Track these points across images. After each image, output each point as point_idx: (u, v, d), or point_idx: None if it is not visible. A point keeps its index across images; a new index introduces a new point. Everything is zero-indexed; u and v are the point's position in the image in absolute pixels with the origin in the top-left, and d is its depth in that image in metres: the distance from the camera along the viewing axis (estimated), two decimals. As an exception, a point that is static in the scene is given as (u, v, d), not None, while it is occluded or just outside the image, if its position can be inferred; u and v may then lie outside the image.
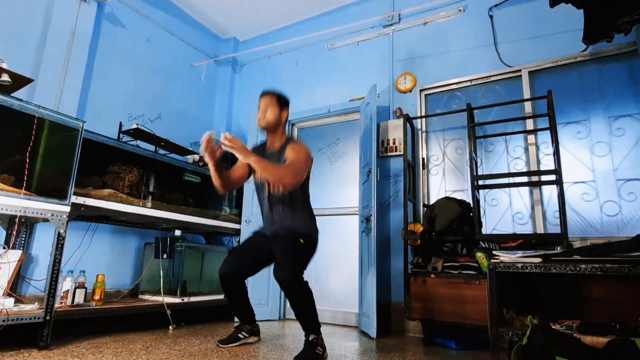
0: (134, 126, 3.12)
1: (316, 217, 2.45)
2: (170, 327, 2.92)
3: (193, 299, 3.15)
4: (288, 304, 3.81)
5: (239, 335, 2.43)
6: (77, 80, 3.11)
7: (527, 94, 3.12)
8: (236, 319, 3.35)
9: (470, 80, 3.36)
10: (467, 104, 2.99)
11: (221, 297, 3.45)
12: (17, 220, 2.32)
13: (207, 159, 2.10)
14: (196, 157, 3.69)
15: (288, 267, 2.11)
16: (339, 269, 3.68)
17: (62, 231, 2.20)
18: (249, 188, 3.70)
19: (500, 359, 2.04)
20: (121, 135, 3.23)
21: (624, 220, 2.67)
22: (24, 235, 2.57)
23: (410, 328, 3.10)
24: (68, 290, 2.49)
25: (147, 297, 3.14)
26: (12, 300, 2.15)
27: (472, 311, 2.56)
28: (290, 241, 2.21)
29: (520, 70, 3.16)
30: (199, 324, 3.22)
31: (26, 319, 2.02)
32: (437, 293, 2.70)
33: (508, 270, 2.09)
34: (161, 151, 3.40)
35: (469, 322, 2.56)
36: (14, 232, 2.44)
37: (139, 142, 3.28)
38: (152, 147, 3.36)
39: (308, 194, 2.43)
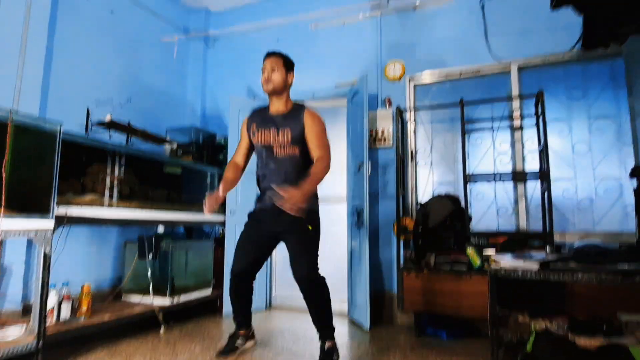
0: (108, 117, 2.83)
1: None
2: (161, 330, 2.83)
3: (183, 297, 3.06)
4: (274, 293, 3.82)
5: (236, 343, 2.38)
6: (38, 66, 2.72)
7: (515, 88, 3.18)
8: (225, 312, 3.32)
9: (460, 73, 3.34)
10: (460, 99, 2.99)
11: (207, 291, 3.38)
12: (-10, 237, 2.06)
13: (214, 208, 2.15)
14: (174, 145, 3.45)
15: (307, 265, 2.12)
16: (325, 256, 3.70)
17: (47, 250, 2.00)
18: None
19: (499, 357, 2.19)
20: (90, 126, 2.91)
21: (597, 216, 2.89)
22: (-6, 249, 2.31)
23: (399, 316, 3.23)
24: (53, 307, 2.30)
25: (132, 297, 3.00)
26: (-6, 326, 1.96)
27: (464, 305, 2.70)
28: (301, 233, 2.17)
29: (509, 65, 3.19)
30: (188, 320, 3.15)
31: (18, 350, 1.86)
32: (430, 287, 2.81)
33: (508, 277, 2.20)
34: (135, 140, 3.12)
35: (461, 315, 2.72)
36: (-16, 248, 2.18)
37: (111, 132, 2.99)
38: (125, 136, 3.07)
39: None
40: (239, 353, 2.37)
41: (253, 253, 2.27)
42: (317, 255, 2.22)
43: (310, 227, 2.19)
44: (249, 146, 2.37)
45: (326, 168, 2.14)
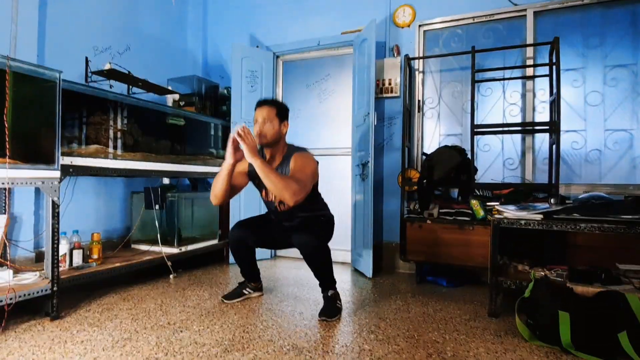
0: (107, 66, 2.75)
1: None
2: (170, 276, 2.93)
3: (190, 247, 3.14)
4: (279, 243, 3.89)
5: (243, 291, 2.47)
6: (32, 13, 2.60)
7: (530, 35, 3.03)
8: (232, 261, 3.42)
9: (473, 18, 3.18)
10: (472, 46, 2.86)
11: (214, 241, 3.46)
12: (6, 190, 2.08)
13: (229, 153, 2.01)
14: (176, 96, 3.38)
15: (311, 234, 2.10)
16: (330, 208, 3.74)
17: (55, 199, 2.01)
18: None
19: (498, 302, 2.26)
20: (89, 75, 2.85)
21: (604, 169, 2.85)
22: (3, 198, 2.34)
23: (400, 265, 3.31)
24: (65, 254, 2.37)
25: (141, 247, 3.09)
26: (10, 272, 2.02)
27: (465, 254, 2.75)
28: (311, 220, 2.21)
29: (525, 10, 3.02)
30: (195, 269, 3.25)
31: (34, 292, 1.94)
32: (432, 237, 2.85)
33: (511, 226, 2.22)
34: (135, 91, 3.06)
35: (462, 265, 2.78)
36: (-7, 197, 2.21)
37: (111, 82, 2.92)
38: (125, 86, 3.00)
39: (318, 193, 2.40)
40: (244, 299, 2.46)
41: (256, 230, 2.35)
42: (324, 235, 2.21)
43: (322, 219, 2.29)
44: (239, 181, 2.24)
45: (285, 188, 1.87)
